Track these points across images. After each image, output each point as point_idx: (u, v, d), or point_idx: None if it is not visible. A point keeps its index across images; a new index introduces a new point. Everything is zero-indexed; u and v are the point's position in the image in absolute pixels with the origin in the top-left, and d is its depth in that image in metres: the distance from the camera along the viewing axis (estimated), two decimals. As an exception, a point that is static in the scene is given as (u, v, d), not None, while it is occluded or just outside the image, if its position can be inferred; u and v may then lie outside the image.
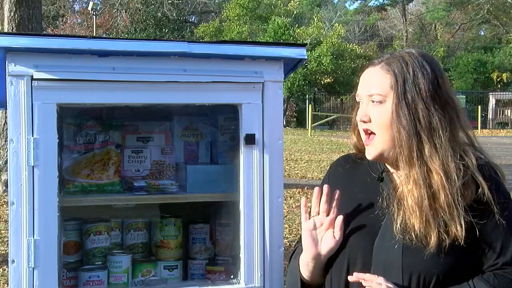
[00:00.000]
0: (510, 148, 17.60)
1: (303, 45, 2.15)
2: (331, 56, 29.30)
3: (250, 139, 2.06)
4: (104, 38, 4.88)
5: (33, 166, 1.91)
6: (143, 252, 2.47)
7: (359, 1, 48.17)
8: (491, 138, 21.40)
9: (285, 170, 11.00)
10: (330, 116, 28.06)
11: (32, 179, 1.91)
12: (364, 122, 1.64)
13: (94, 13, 28.56)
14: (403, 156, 1.57)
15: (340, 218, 1.62)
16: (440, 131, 1.55)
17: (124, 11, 32.71)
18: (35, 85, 1.91)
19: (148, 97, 2.03)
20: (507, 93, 32.23)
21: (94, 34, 25.75)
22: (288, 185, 9.47)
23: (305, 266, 1.67)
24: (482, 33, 46.34)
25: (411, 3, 47.07)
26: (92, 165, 2.35)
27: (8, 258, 1.93)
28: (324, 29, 33.82)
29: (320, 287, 1.71)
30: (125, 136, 2.47)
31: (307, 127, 24.12)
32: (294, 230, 6.90)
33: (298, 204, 8.57)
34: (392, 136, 1.58)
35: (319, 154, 15.03)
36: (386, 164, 1.67)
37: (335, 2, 48.86)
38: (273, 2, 33.44)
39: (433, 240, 1.50)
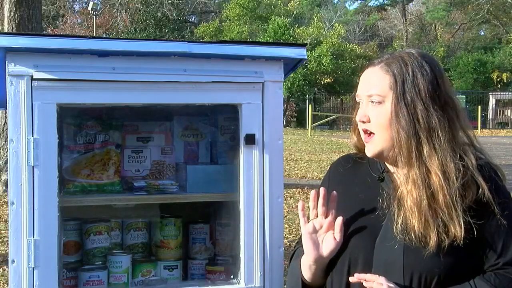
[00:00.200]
0: (510, 148, 17.60)
1: (303, 45, 2.15)
2: (331, 56, 29.30)
3: (250, 139, 2.06)
4: (104, 38, 4.88)
5: (33, 166, 1.91)
6: (143, 252, 2.47)
7: (359, 1, 48.23)
8: (491, 138, 21.40)
9: (285, 170, 11.00)
10: (330, 116, 28.05)
11: (32, 179, 1.91)
12: (364, 122, 1.64)
13: (94, 13, 28.55)
14: (402, 157, 1.57)
15: (340, 219, 1.61)
16: (439, 132, 1.55)
17: (124, 11, 32.70)
18: (35, 85, 1.91)
19: (148, 97, 2.03)
20: (507, 93, 32.23)
21: (94, 34, 25.75)
22: (288, 185, 9.47)
23: (307, 268, 1.67)
24: (482, 33, 46.36)
25: (411, 3, 47.09)
26: (92, 165, 2.35)
27: (8, 258, 1.93)
28: (324, 29, 33.83)
29: None
30: (125, 136, 2.47)
31: (307, 127, 24.12)
32: (294, 230, 6.90)
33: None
34: (391, 136, 1.58)
35: (319, 154, 15.03)
36: (386, 164, 1.67)
37: (335, 2, 48.90)
38: (273, 2, 33.44)
39: (432, 240, 1.50)
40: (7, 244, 4.68)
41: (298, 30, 30.76)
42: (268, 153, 2.08)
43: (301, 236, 1.72)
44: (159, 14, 31.44)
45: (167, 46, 2.02)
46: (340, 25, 34.42)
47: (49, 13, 33.04)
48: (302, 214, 1.66)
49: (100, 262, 2.33)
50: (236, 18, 33.13)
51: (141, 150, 2.46)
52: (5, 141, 8.43)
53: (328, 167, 1.87)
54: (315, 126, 25.14)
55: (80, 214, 2.37)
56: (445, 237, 1.50)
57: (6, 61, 1.91)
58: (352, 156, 1.78)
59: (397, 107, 1.57)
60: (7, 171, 4.65)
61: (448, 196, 1.51)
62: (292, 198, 8.95)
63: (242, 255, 2.08)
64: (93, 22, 28.78)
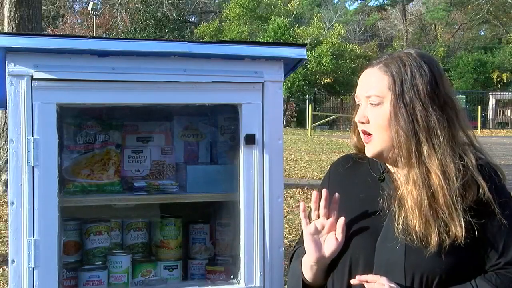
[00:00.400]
0: (510, 148, 17.60)
1: (303, 45, 2.15)
2: (331, 56, 29.29)
3: (250, 139, 2.06)
4: (104, 38, 4.88)
5: (33, 166, 1.91)
6: (143, 252, 2.47)
7: (359, 1, 48.21)
8: (491, 138, 21.40)
9: (285, 170, 11.00)
10: (330, 116, 28.05)
11: (32, 179, 1.91)
12: (363, 123, 1.64)
13: (94, 13, 28.55)
14: (401, 157, 1.57)
15: (341, 219, 1.61)
16: (439, 132, 1.55)
17: (124, 11, 32.69)
18: (35, 85, 1.91)
19: (148, 97, 2.03)
20: (507, 93, 32.21)
21: (94, 34, 25.75)
22: (288, 185, 9.47)
23: (308, 269, 1.67)
24: (482, 33, 46.35)
25: (411, 3, 47.08)
26: (92, 165, 2.35)
27: (8, 258, 1.93)
28: (324, 29, 33.82)
29: None
30: (125, 136, 2.47)
31: (307, 127, 24.11)
32: (294, 230, 6.90)
33: (298, 204, 8.55)
34: (390, 137, 1.58)
35: (319, 154, 15.03)
36: (386, 164, 1.67)
37: (335, 2, 48.89)
38: (273, 2, 33.43)
39: (433, 240, 1.50)
40: (7, 244, 4.68)
41: (298, 30, 30.75)
42: (268, 153, 2.08)
43: (301, 236, 1.72)
44: (159, 14, 31.44)
45: (167, 46, 2.02)
46: (340, 25, 34.40)
47: (49, 13, 33.03)
48: (304, 215, 1.65)
49: (100, 262, 2.33)
50: (236, 18, 33.13)
51: (141, 150, 2.46)
52: (5, 141, 8.43)
53: (328, 167, 1.87)
54: (315, 126, 25.14)
55: (80, 214, 2.37)
56: (446, 237, 1.50)
57: (6, 61, 1.91)
58: (352, 156, 1.78)
59: (396, 107, 1.57)
60: (7, 171, 4.65)
61: (448, 196, 1.51)
62: (292, 198, 8.95)
63: (242, 255, 2.08)
64: (93, 22, 28.78)
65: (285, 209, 7.72)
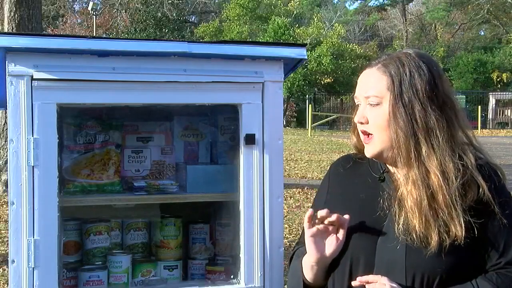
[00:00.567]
0: (510, 148, 17.60)
1: (303, 45, 2.15)
2: (331, 56, 29.29)
3: (250, 139, 2.06)
4: (104, 38, 4.88)
5: (33, 166, 1.91)
6: (143, 252, 2.47)
7: (359, 1, 48.21)
8: (491, 138, 21.40)
9: (285, 170, 11.00)
10: (330, 116, 28.05)
11: (32, 179, 1.91)
12: (362, 123, 1.64)
13: (94, 13, 28.55)
14: (401, 157, 1.57)
15: (345, 218, 1.61)
16: (438, 132, 1.55)
17: (124, 11, 32.69)
18: (35, 85, 1.91)
19: (148, 97, 2.03)
20: (507, 93, 32.21)
21: (94, 34, 25.75)
22: (288, 185, 9.47)
23: (309, 269, 1.66)
24: (482, 33, 46.34)
25: (411, 3, 47.07)
26: (92, 165, 2.35)
27: (8, 258, 1.93)
28: (324, 29, 33.81)
29: None
30: (125, 136, 2.47)
31: (307, 127, 24.11)
32: (294, 230, 6.89)
33: (298, 204, 8.57)
34: (390, 137, 1.58)
35: (319, 154, 15.03)
36: (386, 164, 1.67)
37: (335, 2, 48.88)
38: (273, 2, 33.43)
39: (434, 240, 1.50)
40: (7, 244, 4.68)
41: (298, 30, 30.75)
42: (268, 153, 2.08)
43: (301, 236, 1.72)
44: (159, 14, 31.43)
45: (167, 46, 2.02)
46: (340, 25, 34.40)
47: (49, 13, 33.03)
48: (308, 220, 1.64)
49: (100, 262, 2.33)
50: (236, 18, 33.12)
51: (141, 150, 2.46)
52: (5, 141, 8.43)
53: (328, 168, 1.87)
54: (315, 126, 25.14)
55: (80, 214, 2.37)
56: (446, 237, 1.50)
57: (6, 61, 1.91)
58: (352, 157, 1.78)
59: (395, 108, 1.57)
60: (7, 171, 4.65)
61: (447, 196, 1.51)
62: (292, 198, 8.94)
63: (242, 255, 2.08)
64: (93, 22, 28.78)
65: (285, 209, 7.72)
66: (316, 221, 1.62)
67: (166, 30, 30.77)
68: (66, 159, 2.32)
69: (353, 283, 1.58)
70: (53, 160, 1.94)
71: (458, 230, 1.50)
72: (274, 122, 2.10)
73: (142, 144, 2.49)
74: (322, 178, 1.86)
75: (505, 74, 34.12)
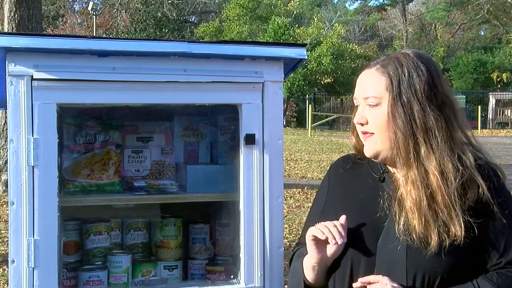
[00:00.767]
0: (510, 148, 17.59)
1: (303, 45, 2.15)
2: (331, 56, 29.29)
3: (250, 139, 2.06)
4: (104, 38, 4.88)
5: (33, 166, 1.91)
6: (143, 252, 2.47)
7: (359, 1, 48.20)
8: (491, 138, 21.40)
9: (285, 170, 11.00)
10: (330, 116, 28.05)
11: (32, 179, 1.91)
12: (362, 124, 1.64)
13: (94, 13, 28.54)
14: (400, 158, 1.57)
15: (343, 218, 1.61)
16: (436, 132, 1.55)
17: (124, 11, 32.68)
18: (35, 85, 1.91)
19: (148, 97, 2.03)
20: (507, 93, 32.20)
21: (94, 34, 25.74)
22: (288, 185, 9.47)
23: (310, 269, 1.66)
24: (482, 33, 46.34)
25: (411, 3, 47.07)
26: (92, 165, 2.35)
27: (8, 258, 1.93)
28: (324, 29, 33.81)
29: None
30: (125, 136, 2.47)
31: (307, 127, 24.11)
32: (294, 230, 6.89)
33: (298, 204, 8.57)
34: (389, 138, 1.58)
35: (319, 154, 15.03)
36: (386, 165, 1.67)
37: (335, 2, 48.88)
38: (273, 2, 33.43)
39: (434, 240, 1.50)
40: (7, 244, 4.68)
41: (298, 30, 30.75)
42: (268, 153, 2.08)
43: (301, 236, 1.72)
44: (159, 14, 31.42)
45: (167, 46, 2.02)
46: (340, 25, 34.39)
47: (49, 13, 33.03)
48: (312, 244, 1.62)
49: (100, 262, 2.33)
50: (236, 18, 33.12)
51: (141, 150, 2.46)
52: (5, 141, 8.43)
53: (328, 168, 1.87)
54: (315, 126, 25.13)
55: (80, 214, 2.37)
56: (446, 237, 1.50)
57: (6, 61, 1.91)
58: (351, 157, 1.78)
59: (394, 108, 1.57)
60: (7, 171, 4.65)
61: (446, 196, 1.51)
62: (292, 198, 8.94)
63: (242, 255, 2.08)
64: (93, 22, 28.78)
65: (285, 209, 7.72)
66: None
67: (166, 30, 30.76)
68: (66, 159, 2.32)
69: (354, 285, 1.57)
70: (53, 160, 1.94)
71: (457, 230, 1.50)
72: (274, 122, 2.10)
73: (142, 144, 2.49)
74: (322, 178, 1.86)
75: (505, 74, 34.11)
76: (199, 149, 2.57)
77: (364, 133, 1.65)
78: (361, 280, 1.55)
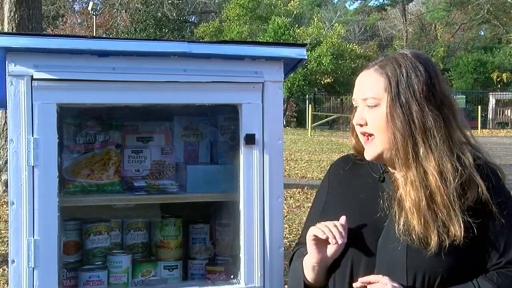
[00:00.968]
0: (510, 148, 17.57)
1: (303, 45, 2.15)
2: (331, 56, 29.29)
3: (250, 139, 2.06)
4: (104, 38, 4.88)
5: (33, 166, 1.91)
6: (143, 252, 2.47)
7: (359, 1, 48.20)
8: (491, 138, 21.37)
9: (285, 170, 11.01)
10: (330, 116, 28.05)
11: (32, 179, 1.91)
12: (361, 125, 1.64)
13: (94, 13, 28.54)
14: (399, 159, 1.57)
15: (343, 219, 1.61)
16: (435, 132, 1.55)
17: (124, 11, 32.68)
18: (35, 85, 1.91)
19: (148, 97, 2.03)
20: (507, 93, 32.20)
21: (94, 34, 25.74)
22: (288, 185, 9.47)
23: (310, 269, 1.66)
24: (482, 33, 46.34)
25: (411, 3, 47.07)
26: (92, 165, 2.35)
27: (8, 258, 1.93)
28: (324, 29, 33.81)
29: None
30: (125, 136, 2.47)
31: (307, 127, 24.11)
32: (294, 230, 6.90)
33: (298, 204, 8.57)
34: (388, 138, 1.58)
35: (319, 154, 15.03)
36: (386, 165, 1.67)
37: (335, 2, 48.87)
38: (273, 2, 33.43)
39: (433, 241, 1.50)
40: (7, 244, 4.68)
41: (298, 30, 30.75)
42: (268, 153, 2.08)
43: (300, 236, 1.72)
44: (159, 14, 31.42)
45: (167, 46, 2.02)
46: (340, 25, 34.39)
47: (49, 13, 33.03)
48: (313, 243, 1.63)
49: (100, 262, 2.33)
50: (236, 18, 33.12)
51: (141, 150, 2.46)
52: (5, 141, 8.43)
53: (328, 168, 1.87)
54: (315, 126, 25.13)
55: (80, 214, 2.37)
56: (446, 237, 1.50)
57: (6, 61, 1.91)
58: (351, 157, 1.78)
59: (392, 109, 1.57)
60: (7, 171, 4.65)
61: (445, 197, 1.51)
62: (292, 198, 8.95)
63: (242, 255, 2.08)
64: (93, 22, 28.77)
65: (285, 209, 7.72)
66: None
67: (166, 30, 30.76)
68: (66, 159, 2.32)
69: (355, 285, 1.57)
70: (53, 160, 1.94)
71: (457, 230, 1.50)
72: (274, 122, 2.10)
73: (142, 144, 2.49)
74: (322, 178, 1.86)
75: (505, 74, 34.11)
76: (199, 149, 2.57)
77: (364, 134, 1.65)
78: (361, 280, 1.56)
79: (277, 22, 28.59)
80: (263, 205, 2.08)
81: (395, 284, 1.51)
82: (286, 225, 6.93)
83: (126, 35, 29.22)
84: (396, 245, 1.55)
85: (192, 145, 2.56)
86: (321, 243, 1.60)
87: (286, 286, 1.88)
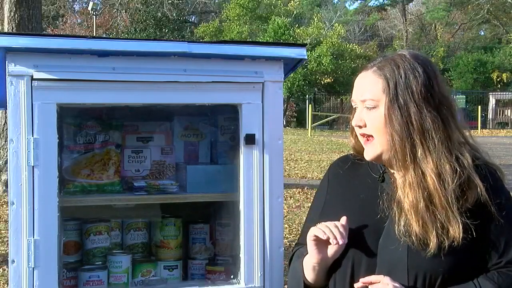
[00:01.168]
0: (510, 148, 17.59)
1: (303, 45, 2.15)
2: (331, 56, 29.29)
3: (250, 139, 2.06)
4: (104, 38, 4.88)
5: (33, 166, 1.91)
6: (143, 252, 2.47)
7: (359, 1, 48.21)
8: (491, 138, 21.36)
9: (285, 170, 11.01)
10: (330, 116, 28.05)
11: (32, 179, 1.91)
12: (360, 127, 1.64)
13: (94, 13, 28.54)
14: (397, 160, 1.57)
15: (343, 219, 1.61)
16: (433, 133, 1.54)
17: (124, 11, 32.68)
18: (35, 85, 1.91)
19: (148, 97, 2.03)
20: (507, 93, 32.20)
21: (94, 34, 25.74)
22: (288, 185, 9.47)
23: (310, 270, 1.66)
24: (482, 33, 46.34)
25: (411, 3, 47.08)
26: (92, 165, 2.35)
27: (8, 258, 1.93)
28: (324, 29, 33.81)
29: None
30: (125, 136, 2.47)
31: (307, 127, 24.12)
32: (294, 230, 6.90)
33: (298, 204, 8.57)
34: (387, 140, 1.58)
35: (319, 154, 15.03)
36: (385, 166, 1.67)
37: (335, 2, 48.87)
38: (273, 2, 33.42)
39: (433, 242, 1.50)
40: (7, 244, 4.68)
41: (298, 30, 30.75)
42: (268, 153, 2.08)
43: (300, 237, 1.72)
44: (159, 14, 31.42)
45: (167, 46, 2.02)
46: (340, 25, 34.38)
47: (49, 13, 33.03)
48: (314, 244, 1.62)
49: (100, 262, 2.33)
50: (236, 18, 33.11)
51: (141, 150, 2.46)
52: (5, 141, 8.43)
53: (327, 169, 1.86)
54: (315, 126, 25.13)
55: (80, 214, 2.37)
56: (445, 239, 1.50)
57: (6, 61, 1.91)
58: (350, 158, 1.78)
59: (391, 110, 1.56)
60: (7, 171, 4.65)
61: (443, 198, 1.51)
62: (292, 198, 8.95)
63: (242, 255, 2.08)
64: (93, 22, 28.77)
65: (285, 209, 7.72)
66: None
67: (166, 30, 30.76)
68: (66, 159, 2.32)
69: (356, 285, 1.57)
70: (53, 160, 1.94)
71: (456, 231, 1.50)
72: (274, 122, 2.10)
73: (142, 144, 2.49)
74: (322, 178, 1.86)
75: (505, 74, 34.11)
76: (199, 149, 2.57)
77: (363, 135, 1.65)
78: (363, 281, 1.55)
79: (277, 22, 28.59)
80: (263, 205, 2.08)
81: (397, 284, 1.51)
82: (286, 225, 6.93)
83: (126, 35, 29.22)
84: (397, 245, 1.55)
85: (192, 145, 2.56)
86: (322, 244, 1.60)
87: (286, 286, 1.88)
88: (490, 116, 30.40)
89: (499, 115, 30.72)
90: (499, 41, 41.86)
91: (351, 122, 1.69)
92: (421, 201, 1.52)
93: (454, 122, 1.59)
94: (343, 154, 1.89)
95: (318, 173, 11.47)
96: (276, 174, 2.10)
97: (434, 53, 36.37)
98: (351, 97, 1.69)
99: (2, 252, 5.90)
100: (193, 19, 41.01)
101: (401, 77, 1.57)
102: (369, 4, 47.00)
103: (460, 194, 1.53)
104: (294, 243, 3.50)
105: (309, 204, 1.69)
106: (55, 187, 1.94)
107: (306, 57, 2.12)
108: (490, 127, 29.22)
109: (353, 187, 1.71)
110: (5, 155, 8.56)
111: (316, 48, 29.47)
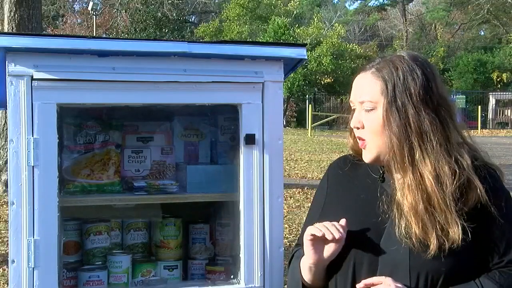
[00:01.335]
0: (510, 148, 17.59)
1: (303, 45, 2.15)
2: (331, 56, 29.30)
3: (250, 139, 2.06)
4: (104, 38, 4.88)
5: (33, 166, 1.91)
6: (143, 252, 2.47)
7: (359, 1, 48.23)
8: (491, 138, 21.36)
9: (285, 170, 11.01)
10: (330, 116, 28.01)
11: (32, 179, 1.91)
12: (358, 128, 1.64)
13: (94, 13, 28.53)
14: (395, 162, 1.56)
15: (343, 221, 1.60)
16: (432, 135, 1.54)
17: (124, 11, 32.66)
18: (35, 85, 1.91)
19: (148, 97, 2.03)
20: (507, 93, 32.21)
21: (94, 34, 25.74)
22: (288, 185, 9.47)
23: (307, 270, 1.65)
24: (482, 33, 46.33)
25: (411, 3, 47.07)
26: (92, 165, 2.35)
27: (8, 258, 1.93)
28: (324, 29, 33.82)
29: None
30: (125, 136, 2.47)
31: (307, 127, 24.12)
32: (294, 230, 6.90)
33: (298, 204, 8.57)
34: (385, 142, 1.58)
35: (319, 154, 15.03)
36: (384, 167, 1.67)
37: (335, 2, 48.89)
38: (273, 2, 33.42)
39: (433, 244, 1.50)
40: (7, 244, 4.68)
41: (298, 30, 30.76)
42: (268, 153, 2.08)
43: (299, 237, 1.72)
44: (159, 14, 31.42)
45: (167, 46, 2.02)
46: (340, 25, 34.40)
47: (49, 13, 33.03)
48: (310, 243, 1.62)
49: (100, 262, 2.33)
50: (236, 18, 33.12)
51: (141, 150, 2.46)
52: (5, 141, 8.43)
53: (327, 169, 1.86)
54: (315, 126, 25.13)
55: (80, 214, 2.37)
56: (445, 240, 1.50)
57: (6, 61, 1.91)
58: (350, 158, 1.77)
59: (389, 112, 1.56)
60: (7, 171, 4.65)
61: (441, 200, 1.51)
62: (292, 198, 8.95)
63: (242, 255, 2.08)
64: (93, 22, 28.77)
65: (285, 209, 7.72)
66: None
67: (166, 30, 30.77)
68: (66, 159, 2.32)
69: (358, 286, 1.57)
70: (53, 160, 1.94)
71: (455, 232, 1.50)
72: (274, 122, 2.10)
73: (142, 144, 2.49)
74: (321, 178, 1.86)
75: (505, 74, 34.12)
76: (199, 149, 2.57)
77: (360, 138, 1.64)
78: (365, 282, 1.55)
79: (277, 22, 28.59)
80: (263, 205, 2.08)
81: (399, 285, 1.51)
82: (286, 225, 6.93)
83: (126, 35, 29.22)
84: (398, 246, 1.54)
85: (192, 145, 2.56)
86: (318, 244, 1.60)
87: (286, 286, 1.88)
88: (490, 116, 30.41)
89: (499, 115, 30.74)
90: (499, 41, 41.84)
91: (349, 124, 1.69)
92: (420, 203, 1.52)
93: (453, 123, 1.59)
94: (343, 154, 1.89)
95: (318, 173, 11.47)
96: (276, 174, 2.10)
97: (434, 53, 36.37)
98: (349, 98, 1.69)
99: (2, 252, 5.90)
100: (193, 19, 41.02)
101: (399, 79, 1.57)
102: (369, 4, 46.98)
103: (460, 195, 1.53)
104: (294, 243, 3.50)
105: (309, 204, 1.69)
106: (55, 187, 1.94)
107: (306, 57, 2.12)
108: (490, 127, 29.23)
109: (353, 187, 1.71)
110: (5, 155, 8.56)
111: (316, 48, 29.48)
